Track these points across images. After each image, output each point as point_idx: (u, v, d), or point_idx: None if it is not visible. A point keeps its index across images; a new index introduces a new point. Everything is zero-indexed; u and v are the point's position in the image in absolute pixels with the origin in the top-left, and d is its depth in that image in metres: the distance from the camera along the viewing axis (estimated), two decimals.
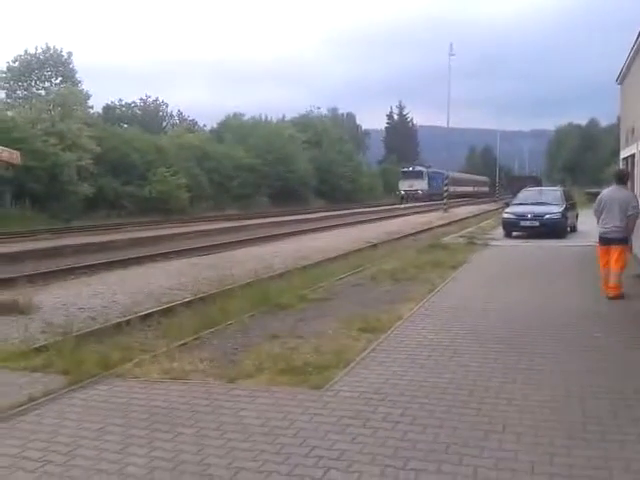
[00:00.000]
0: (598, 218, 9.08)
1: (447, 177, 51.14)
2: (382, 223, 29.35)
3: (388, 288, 9.66)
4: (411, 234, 22.38)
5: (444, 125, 46.98)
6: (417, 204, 54.20)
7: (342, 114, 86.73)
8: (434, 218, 32.44)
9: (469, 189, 79.17)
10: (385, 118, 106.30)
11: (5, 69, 44.60)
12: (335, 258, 14.43)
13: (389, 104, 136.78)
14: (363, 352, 5.88)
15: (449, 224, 27.76)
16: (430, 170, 65.24)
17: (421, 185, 62.47)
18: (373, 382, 5.02)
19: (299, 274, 11.10)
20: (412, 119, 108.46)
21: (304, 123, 65.14)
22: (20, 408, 4.55)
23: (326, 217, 33.18)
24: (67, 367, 5.48)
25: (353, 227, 26.86)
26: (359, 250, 15.94)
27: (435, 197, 59.36)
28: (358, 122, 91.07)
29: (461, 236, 19.12)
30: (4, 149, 10.08)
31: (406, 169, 64.96)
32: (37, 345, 6.54)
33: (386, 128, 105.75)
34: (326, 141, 62.94)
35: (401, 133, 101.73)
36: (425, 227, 25.63)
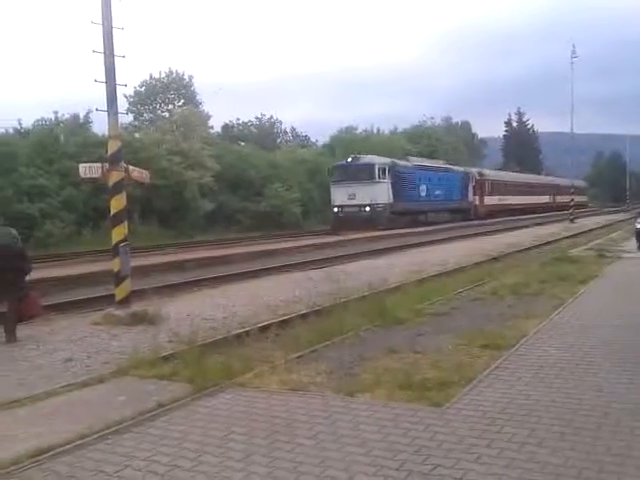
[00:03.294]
0: None
1: (472, 177, 40.85)
2: (501, 235, 28.29)
3: (511, 303, 9.25)
4: (534, 246, 21.36)
5: (567, 131, 43.77)
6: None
7: (456, 123, 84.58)
8: (558, 229, 30.83)
9: (541, 199, 58.12)
10: (503, 125, 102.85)
11: (133, 94, 48.06)
12: (452, 271, 14.05)
13: (507, 111, 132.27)
14: (486, 369, 5.64)
15: (575, 235, 26.19)
16: (403, 166, 35.53)
17: (371, 195, 31.73)
18: (497, 401, 4.79)
19: (415, 287, 10.90)
20: (532, 126, 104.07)
21: (417, 134, 64.53)
22: (150, 414, 4.78)
23: (441, 229, 32.53)
24: (192, 375, 5.69)
25: (471, 239, 26.12)
26: (478, 263, 15.42)
27: (440, 217, 36.95)
28: (474, 130, 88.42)
29: (590, 248, 18.00)
30: (135, 168, 10.74)
31: (342, 162, 35.08)
32: (164, 354, 6.86)
33: (504, 136, 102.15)
34: (440, 152, 61.90)
35: (521, 140, 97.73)
36: (549, 239, 24.33)
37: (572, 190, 41.51)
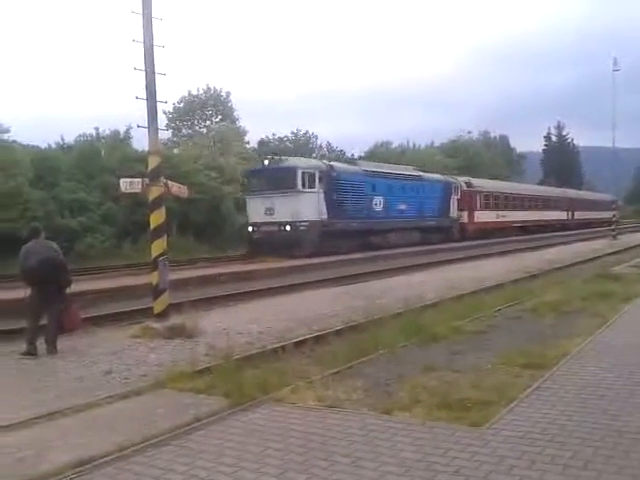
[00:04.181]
0: None
1: (456, 189, 34.52)
2: (541, 251, 27.75)
3: (551, 322, 9.04)
4: (575, 263, 20.90)
5: (608, 145, 42.49)
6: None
7: (494, 137, 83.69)
8: (601, 245, 30.11)
9: (555, 215, 50.23)
10: (542, 139, 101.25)
11: (172, 110, 49.06)
12: (490, 288, 13.84)
13: (547, 124, 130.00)
14: (526, 389, 5.51)
15: (619, 252, 25.52)
16: (345, 171, 27.36)
17: (293, 210, 24.08)
18: (538, 422, 4.67)
19: (452, 304, 10.77)
20: (572, 140, 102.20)
21: (454, 148, 64.10)
22: (187, 427, 4.81)
23: (479, 245, 32.11)
24: (228, 390, 5.72)
25: (508, 255, 25.69)
26: (517, 280, 15.16)
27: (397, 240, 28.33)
28: (512, 145, 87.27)
29: (634, 265, 17.53)
30: (174, 184, 10.92)
31: (257, 167, 27.66)
32: (201, 367, 6.91)
33: (544, 150, 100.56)
34: (477, 166, 61.31)
35: (560, 155, 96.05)
36: (590, 255, 23.77)
37: (613, 205, 39.45)
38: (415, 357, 6.98)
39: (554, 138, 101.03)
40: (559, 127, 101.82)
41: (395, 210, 29.31)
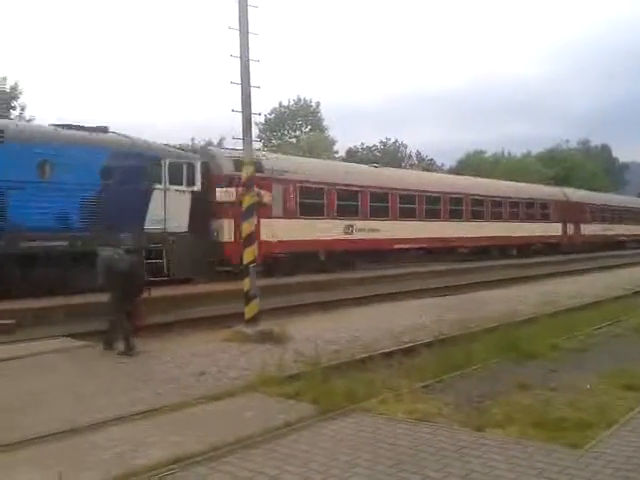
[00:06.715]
0: None
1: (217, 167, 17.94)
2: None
3: None
4: None
5: None
6: None
7: (595, 146, 79.84)
8: None
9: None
10: None
11: (263, 121, 50.35)
12: (590, 305, 13.18)
13: None
14: (630, 412, 5.20)
15: None
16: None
17: None
18: None
19: (548, 321, 10.33)
20: None
21: (551, 157, 61.76)
22: (277, 432, 4.88)
23: (575, 259, 30.67)
24: (317, 397, 5.76)
25: (609, 271, 24.38)
26: (619, 297, 14.35)
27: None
28: (615, 154, 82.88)
29: None
30: (266, 193, 11.23)
31: None
32: (290, 373, 7.00)
33: None
34: (576, 177, 58.72)
35: None
36: None
37: None
38: (509, 374, 6.76)
39: None
40: None
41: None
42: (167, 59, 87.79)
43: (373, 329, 10.58)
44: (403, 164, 65.70)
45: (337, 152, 51.18)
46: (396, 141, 67.82)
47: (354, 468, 4.08)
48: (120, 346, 8.74)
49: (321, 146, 43.40)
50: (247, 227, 10.14)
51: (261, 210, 15.07)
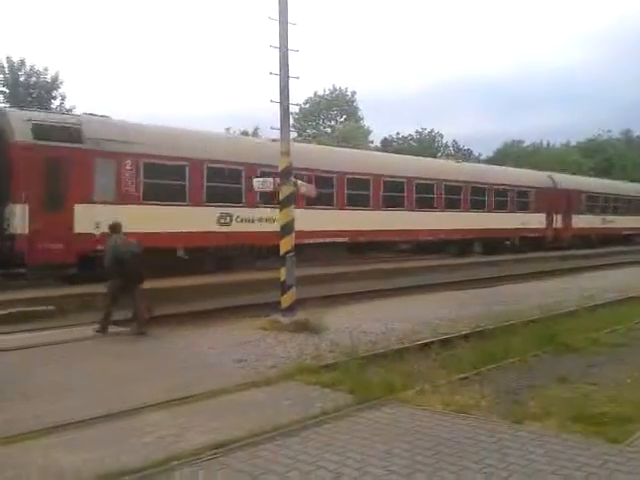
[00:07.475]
0: None
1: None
2: None
3: None
4: None
5: None
6: None
7: (638, 136, 77.60)
8: None
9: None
10: None
11: (298, 111, 50.41)
12: (632, 299, 12.90)
13: None
14: None
15: None
16: None
17: None
18: None
19: (588, 314, 10.16)
20: None
21: (592, 148, 60.25)
22: (315, 420, 4.94)
23: (616, 252, 29.94)
24: (353, 386, 5.81)
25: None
26: None
27: None
28: None
29: None
30: (303, 183, 11.26)
31: None
32: (326, 363, 7.05)
33: None
34: (617, 168, 57.24)
35: None
36: None
37: None
38: (548, 367, 6.71)
39: None
40: None
41: None
42: (205, 49, 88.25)
43: (409, 320, 10.55)
44: (439, 154, 65.07)
45: (372, 142, 50.93)
46: (432, 131, 67.13)
47: (392, 458, 4.11)
48: (133, 328, 9.43)
49: (356, 135, 43.20)
50: (284, 216, 10.19)
51: (75, 192, 13.16)
